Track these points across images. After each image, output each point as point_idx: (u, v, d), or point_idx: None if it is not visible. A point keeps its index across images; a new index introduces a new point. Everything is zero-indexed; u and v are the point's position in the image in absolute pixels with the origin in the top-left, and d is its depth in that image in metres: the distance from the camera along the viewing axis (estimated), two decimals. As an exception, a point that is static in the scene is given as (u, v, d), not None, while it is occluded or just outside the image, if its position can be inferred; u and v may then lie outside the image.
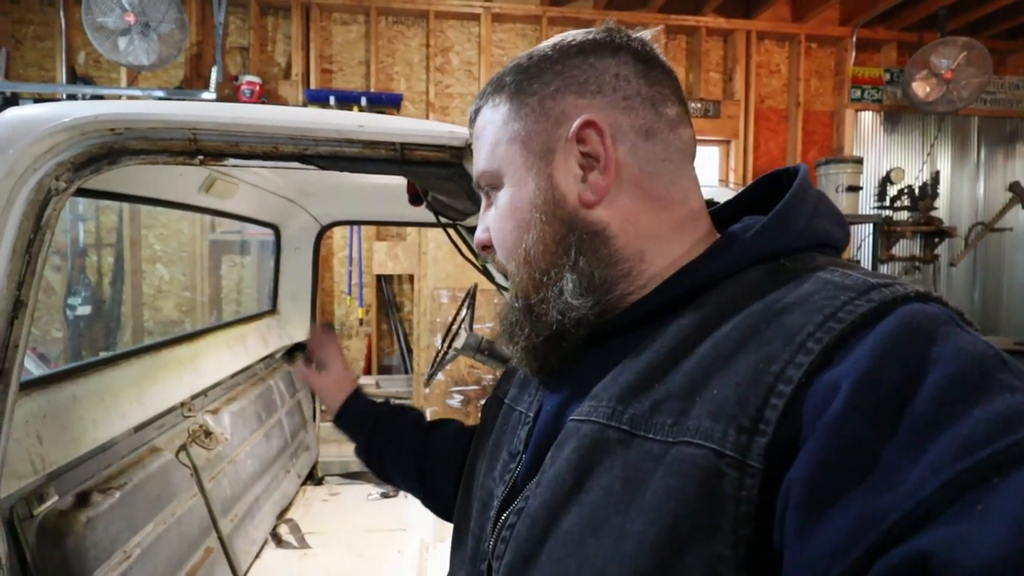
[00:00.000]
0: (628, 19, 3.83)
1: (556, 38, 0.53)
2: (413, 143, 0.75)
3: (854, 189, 3.68)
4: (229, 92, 3.54)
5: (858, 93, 4.10)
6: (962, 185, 4.32)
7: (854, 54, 4.07)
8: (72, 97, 3.44)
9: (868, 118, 4.16)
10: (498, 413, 0.60)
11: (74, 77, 3.56)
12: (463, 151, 0.76)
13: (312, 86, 3.73)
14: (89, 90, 3.48)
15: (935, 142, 4.17)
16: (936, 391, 0.31)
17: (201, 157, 0.72)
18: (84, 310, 3.52)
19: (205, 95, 3.48)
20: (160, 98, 3.45)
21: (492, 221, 0.54)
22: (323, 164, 0.76)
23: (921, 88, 3.78)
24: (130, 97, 3.49)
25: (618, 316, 0.49)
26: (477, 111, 0.55)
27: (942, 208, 4.15)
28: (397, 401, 0.90)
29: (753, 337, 0.39)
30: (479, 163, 0.55)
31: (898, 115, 4.16)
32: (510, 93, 0.52)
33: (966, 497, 0.29)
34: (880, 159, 4.14)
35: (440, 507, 0.78)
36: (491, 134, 0.53)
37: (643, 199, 0.49)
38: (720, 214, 0.55)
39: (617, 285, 0.49)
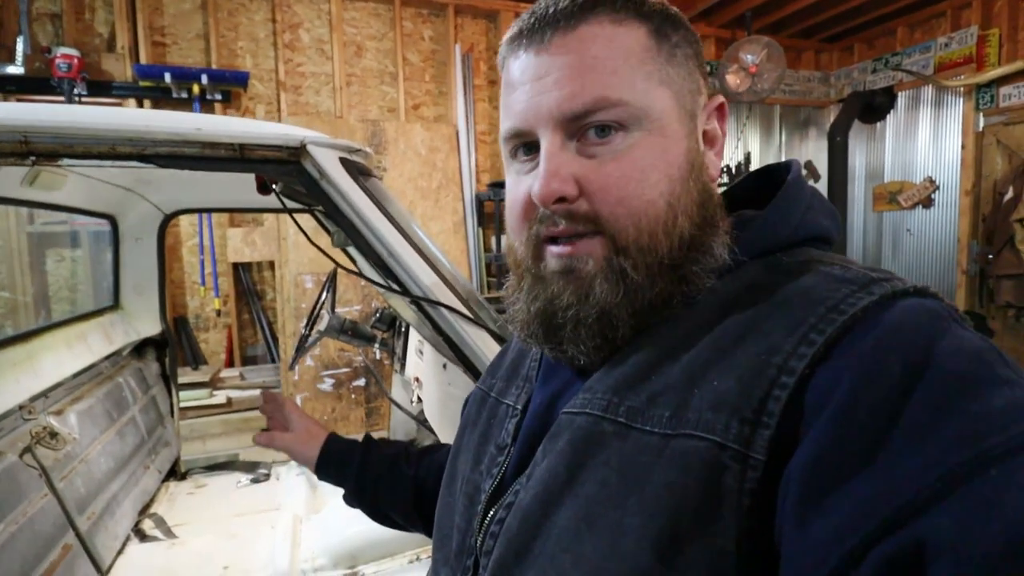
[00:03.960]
0: (479, 3, 3.96)
1: None
2: (251, 144, 0.83)
3: (683, 168, 4.20)
4: (41, 65, 3.14)
5: (685, 82, 4.62)
6: (768, 163, 5.07)
7: (681, 47, 4.57)
8: None
9: (694, 104, 4.71)
10: (483, 407, 0.58)
11: None
12: (299, 151, 0.86)
13: (143, 61, 3.42)
14: None
15: (745, 125, 4.85)
16: (937, 385, 0.32)
17: (33, 158, 0.75)
18: None
19: (10, 69, 3.06)
20: (-52, 70, 2.98)
21: (607, 167, 0.44)
22: (163, 163, 0.82)
23: (732, 80, 4.36)
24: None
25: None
26: (588, 11, 0.44)
27: (754, 183, 4.85)
28: (377, 434, 0.85)
29: (753, 329, 0.38)
30: (600, 88, 0.43)
31: (717, 102, 4.76)
32: (652, 28, 0.45)
33: (964, 487, 0.29)
34: (704, 141, 4.73)
35: None
36: (630, 61, 0.43)
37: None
38: None
39: None
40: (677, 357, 0.40)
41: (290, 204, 1.24)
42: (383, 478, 0.79)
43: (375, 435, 0.86)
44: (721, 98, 0.48)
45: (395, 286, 0.96)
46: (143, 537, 1.60)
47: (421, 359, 1.51)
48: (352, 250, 1.84)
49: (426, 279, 0.89)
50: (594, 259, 0.45)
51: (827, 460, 0.32)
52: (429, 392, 1.42)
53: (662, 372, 0.40)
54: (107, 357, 1.77)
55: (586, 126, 0.44)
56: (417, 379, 1.58)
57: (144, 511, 1.71)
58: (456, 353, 0.93)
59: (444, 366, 1.18)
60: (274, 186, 1.24)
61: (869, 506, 0.30)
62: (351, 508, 0.83)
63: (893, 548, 0.29)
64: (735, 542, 0.34)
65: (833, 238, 0.49)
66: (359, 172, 0.95)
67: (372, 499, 0.80)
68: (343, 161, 0.89)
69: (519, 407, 0.52)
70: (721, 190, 0.52)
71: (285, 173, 0.86)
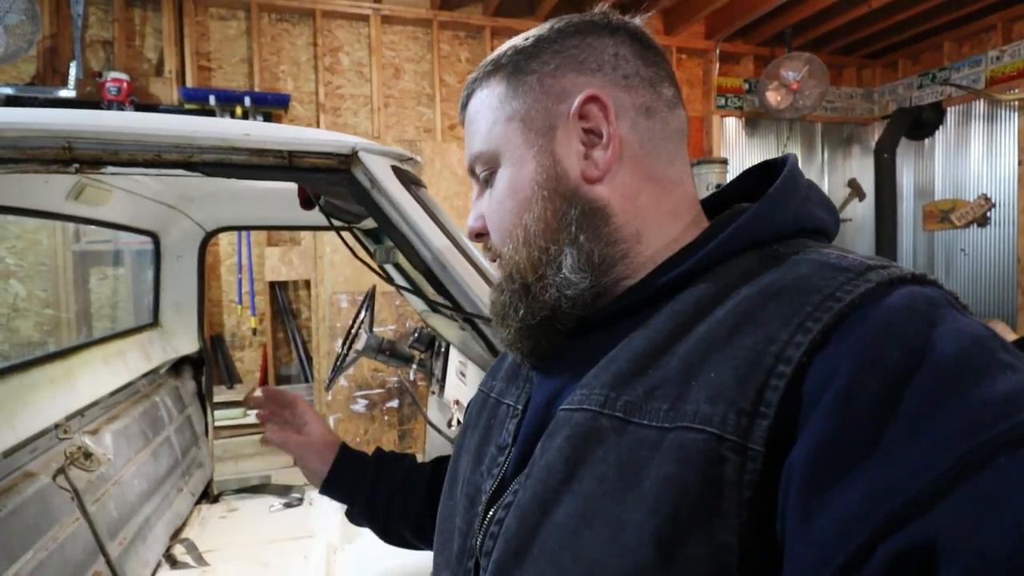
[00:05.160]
0: (516, 25, 3.96)
1: (553, 21, 0.52)
2: (301, 151, 0.78)
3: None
4: (92, 89, 3.24)
5: (723, 101, 4.53)
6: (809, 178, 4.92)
7: (718, 65, 4.49)
8: None
9: (732, 123, 4.61)
10: (483, 409, 0.58)
11: None
12: (350, 158, 0.80)
13: (189, 84, 3.51)
14: (-85, 85, 3.04)
15: (787, 144, 4.72)
16: (938, 371, 0.31)
17: (76, 165, 0.71)
18: (-82, 336, 3.08)
19: (63, 92, 3.16)
20: (8, 96, 3.09)
21: (488, 205, 0.53)
22: (209, 171, 0.77)
23: (773, 97, 4.26)
24: (-33, 93, 3.10)
25: (610, 304, 0.48)
26: (470, 95, 0.54)
27: (796, 203, 4.69)
28: (389, 450, 0.80)
29: (749, 319, 0.38)
30: (473, 146, 0.53)
31: (756, 120, 4.65)
32: (507, 73, 0.51)
33: (972, 479, 0.28)
34: (743, 160, 4.60)
35: None
36: (488, 115, 0.52)
37: (643, 178, 0.49)
38: (708, 203, 0.55)
39: (614, 267, 0.48)
40: (674, 350, 0.40)
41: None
42: (396, 492, 0.77)
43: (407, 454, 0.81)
44: (587, 92, 0.48)
45: (445, 302, 0.89)
46: (174, 563, 1.55)
47: (463, 381, 1.44)
48: (390, 268, 1.80)
49: (483, 295, 0.82)
50: (500, 276, 0.53)
51: (829, 450, 0.32)
52: (472, 417, 1.34)
53: (659, 365, 0.40)
54: (145, 375, 1.75)
55: (479, 176, 0.54)
56: (457, 402, 1.50)
57: (176, 535, 1.66)
58: (511, 376, 0.86)
59: (493, 390, 1.10)
60: (318, 201, 1.20)
61: (874, 500, 0.29)
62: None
63: (901, 545, 0.28)
64: (736, 535, 0.34)
65: (831, 232, 0.49)
66: (410, 182, 0.89)
67: (384, 516, 0.77)
68: (395, 170, 0.84)
69: (520, 407, 0.52)
70: (710, 193, 0.57)
71: (335, 182, 0.81)
